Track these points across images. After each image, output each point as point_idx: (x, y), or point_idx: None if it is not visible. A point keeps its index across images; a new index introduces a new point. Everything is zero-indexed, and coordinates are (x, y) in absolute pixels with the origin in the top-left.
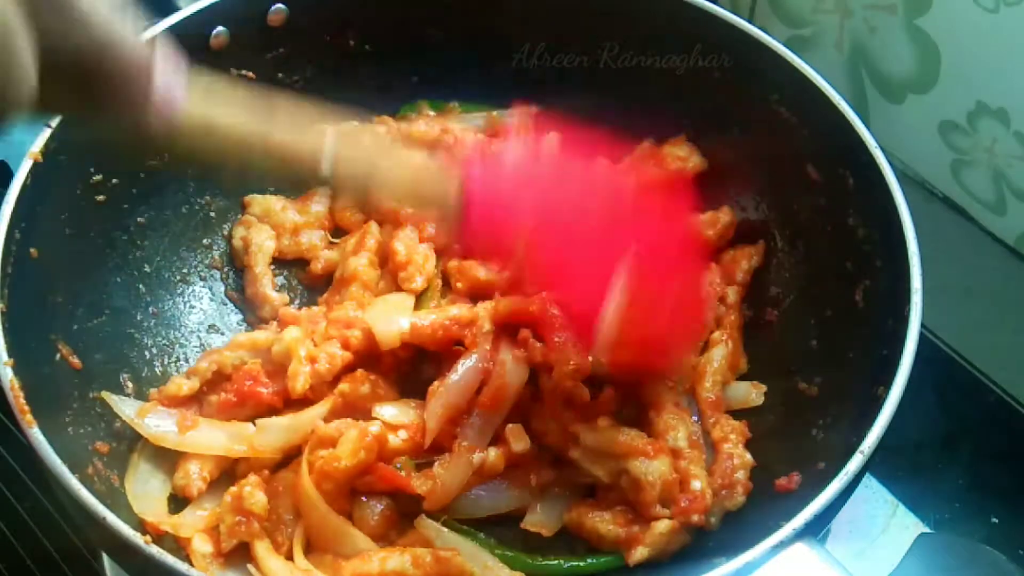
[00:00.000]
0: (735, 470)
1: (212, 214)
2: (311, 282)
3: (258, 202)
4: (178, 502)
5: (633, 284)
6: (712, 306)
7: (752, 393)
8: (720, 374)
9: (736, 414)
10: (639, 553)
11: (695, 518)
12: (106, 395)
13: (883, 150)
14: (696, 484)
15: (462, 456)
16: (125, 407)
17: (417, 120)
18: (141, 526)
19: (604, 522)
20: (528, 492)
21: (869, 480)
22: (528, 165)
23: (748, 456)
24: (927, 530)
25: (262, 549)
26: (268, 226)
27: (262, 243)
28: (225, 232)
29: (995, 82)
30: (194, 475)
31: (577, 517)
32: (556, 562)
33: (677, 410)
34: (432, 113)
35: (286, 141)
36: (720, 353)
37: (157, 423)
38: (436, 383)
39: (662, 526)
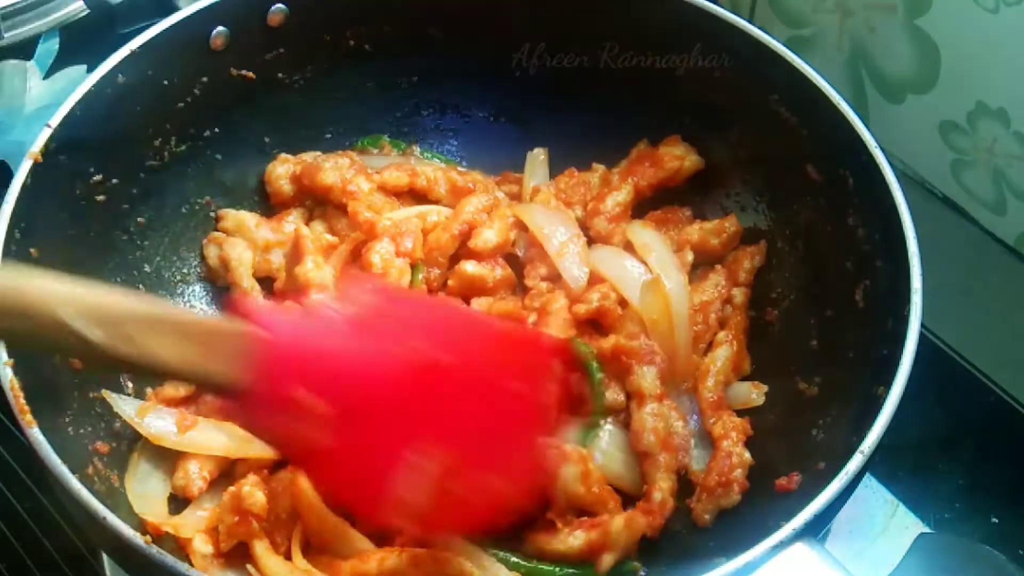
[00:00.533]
0: (733, 468)
1: (212, 214)
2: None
3: (231, 216)
4: (178, 502)
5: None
6: (716, 308)
7: (753, 393)
8: (723, 374)
9: (737, 414)
10: (607, 561)
11: (647, 530)
12: (106, 393)
13: (883, 150)
14: (656, 495)
15: None
16: (125, 406)
17: (388, 168)
18: (141, 526)
19: (560, 542)
20: None
21: (869, 480)
22: (340, 327)
23: (747, 455)
24: (927, 530)
25: (261, 549)
26: (241, 239)
27: (241, 256)
28: None
29: (995, 82)
30: (194, 475)
31: (536, 547)
32: (553, 568)
33: (660, 406)
34: (395, 151)
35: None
36: (724, 354)
37: (157, 423)
38: None
39: (617, 523)
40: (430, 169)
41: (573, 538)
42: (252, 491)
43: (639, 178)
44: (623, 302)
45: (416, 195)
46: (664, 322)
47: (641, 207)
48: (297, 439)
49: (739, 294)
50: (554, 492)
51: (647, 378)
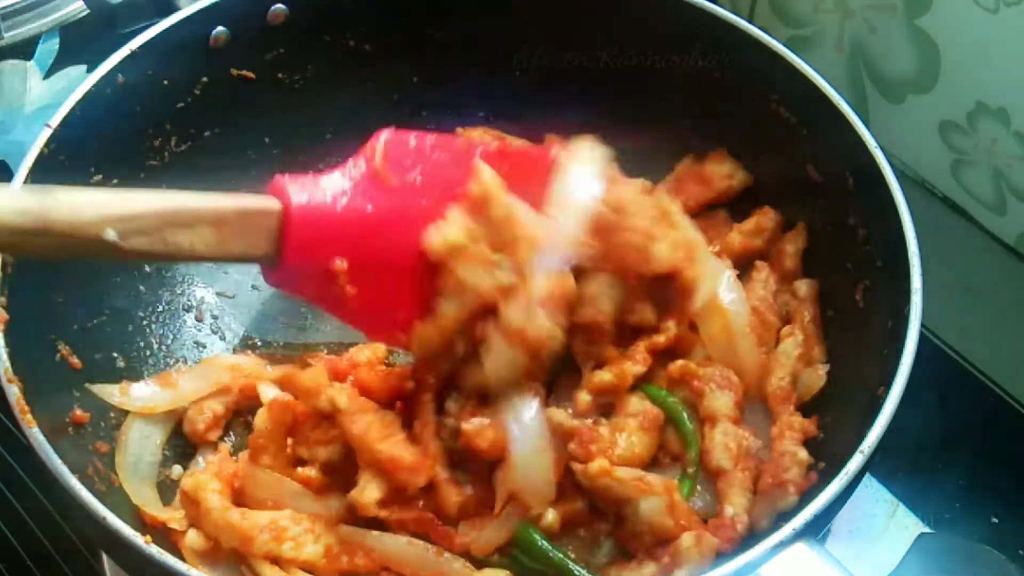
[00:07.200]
0: (785, 469)
1: None
2: None
3: None
4: (168, 494)
5: None
6: (770, 306)
7: (814, 377)
8: (788, 370)
9: (805, 406)
10: None
11: (720, 544)
12: (89, 387)
13: (883, 150)
14: (728, 510)
15: (516, 515)
16: (112, 392)
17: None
18: (141, 526)
19: (632, 571)
20: (582, 544)
21: (869, 480)
22: (366, 189)
23: (803, 454)
24: (927, 530)
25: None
26: None
27: None
28: None
29: (995, 82)
30: (198, 417)
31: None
32: None
33: (732, 426)
34: None
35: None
36: (790, 349)
37: (142, 393)
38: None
39: (687, 540)
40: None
41: (645, 567)
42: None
43: (687, 197)
44: (694, 325)
45: None
46: (724, 339)
47: None
48: (330, 297)
49: (803, 287)
50: (636, 527)
51: (720, 400)
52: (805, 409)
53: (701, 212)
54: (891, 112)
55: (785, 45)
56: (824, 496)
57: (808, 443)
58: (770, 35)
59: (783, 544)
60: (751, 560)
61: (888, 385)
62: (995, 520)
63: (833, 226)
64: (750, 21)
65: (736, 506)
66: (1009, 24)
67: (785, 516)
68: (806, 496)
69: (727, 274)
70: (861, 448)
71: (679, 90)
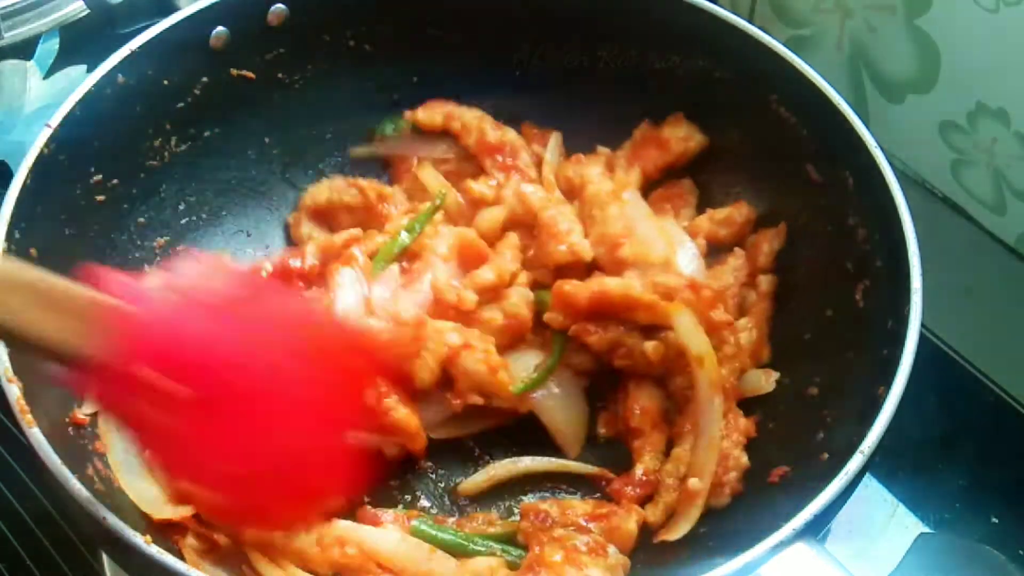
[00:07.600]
0: (727, 471)
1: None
2: None
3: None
4: None
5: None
6: (735, 294)
7: (763, 379)
8: (739, 362)
9: (748, 405)
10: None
11: (633, 506)
12: None
13: (883, 150)
14: (638, 469)
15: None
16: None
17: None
18: (141, 526)
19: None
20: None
21: (869, 480)
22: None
23: (744, 459)
24: (927, 530)
25: (258, 557)
26: None
27: None
28: None
29: (995, 82)
30: None
31: None
32: None
33: (654, 388)
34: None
35: None
36: (743, 340)
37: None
38: None
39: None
40: (468, 114)
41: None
42: None
43: (645, 162)
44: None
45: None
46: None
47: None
48: (145, 420)
49: (764, 281)
50: (456, 373)
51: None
52: (805, 407)
53: (665, 179)
54: (891, 112)
55: (785, 45)
56: (824, 496)
57: (810, 440)
58: (770, 35)
59: (783, 544)
60: (751, 560)
61: (888, 385)
62: (995, 520)
63: (833, 226)
64: (750, 21)
65: (646, 463)
66: (1009, 24)
67: (785, 516)
68: (806, 496)
69: (693, 250)
70: (861, 448)
71: (679, 90)
